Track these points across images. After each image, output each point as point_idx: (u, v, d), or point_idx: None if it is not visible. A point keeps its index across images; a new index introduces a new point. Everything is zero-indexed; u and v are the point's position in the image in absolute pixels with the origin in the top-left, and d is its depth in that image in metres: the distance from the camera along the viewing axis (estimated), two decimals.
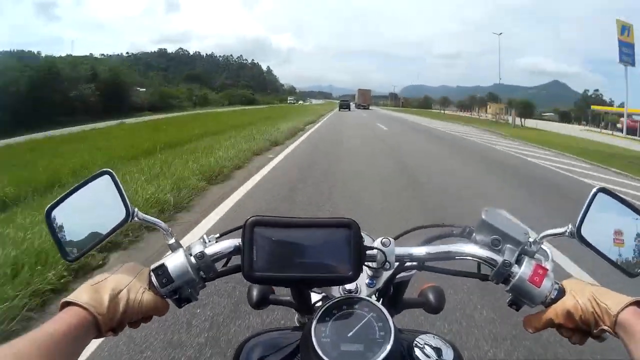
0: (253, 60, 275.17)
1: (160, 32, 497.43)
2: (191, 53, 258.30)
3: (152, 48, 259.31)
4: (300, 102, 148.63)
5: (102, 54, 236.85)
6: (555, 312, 0.73)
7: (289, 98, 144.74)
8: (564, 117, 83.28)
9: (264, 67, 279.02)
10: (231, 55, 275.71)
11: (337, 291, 0.84)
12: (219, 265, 0.79)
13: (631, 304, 0.65)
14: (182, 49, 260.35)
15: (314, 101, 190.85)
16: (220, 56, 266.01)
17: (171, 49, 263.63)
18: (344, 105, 70.04)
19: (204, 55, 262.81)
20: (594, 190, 0.77)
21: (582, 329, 0.72)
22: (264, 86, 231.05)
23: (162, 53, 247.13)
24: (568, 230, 0.76)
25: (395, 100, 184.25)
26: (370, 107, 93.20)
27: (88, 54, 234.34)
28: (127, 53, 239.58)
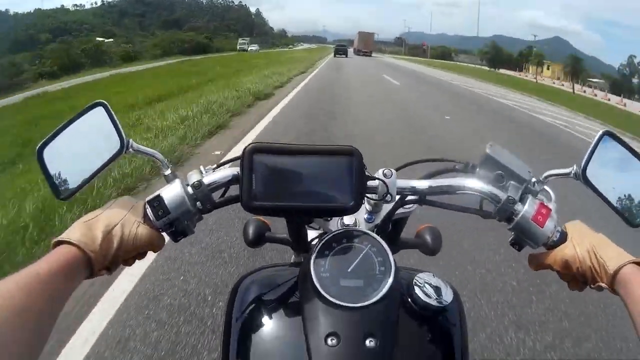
0: (240, 2, 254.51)
1: None
2: None
3: None
4: (290, 46, 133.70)
5: (75, 5, 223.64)
6: (554, 258, 0.73)
7: (239, 42, 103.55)
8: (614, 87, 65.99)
9: (253, 10, 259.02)
10: None
11: (335, 226, 0.84)
12: (216, 196, 0.77)
13: (630, 262, 0.65)
14: None
15: (305, 45, 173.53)
16: None
17: None
18: (340, 51, 60.71)
19: None
20: (600, 132, 0.75)
21: (579, 278, 0.72)
22: (251, 29, 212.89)
23: None
24: (573, 171, 0.75)
25: (404, 46, 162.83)
26: (372, 54, 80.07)
27: (59, 6, 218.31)
28: (103, 1, 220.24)
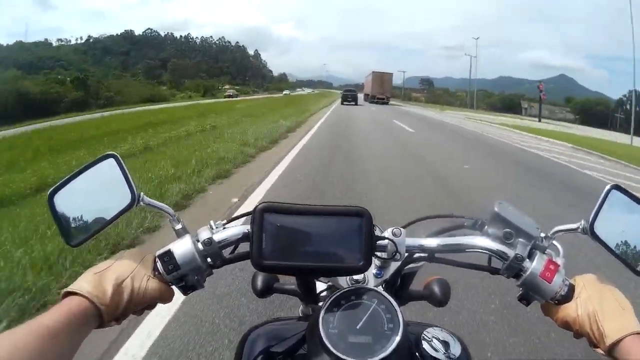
0: (238, 43, 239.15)
1: (159, 20, 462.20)
2: (162, 34, 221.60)
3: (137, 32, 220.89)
4: (286, 92, 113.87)
5: (60, 39, 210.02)
6: (557, 315, 0.74)
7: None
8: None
9: (251, 52, 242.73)
10: (211, 37, 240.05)
11: (344, 281, 0.84)
12: (226, 252, 0.78)
13: (631, 334, 0.64)
14: (151, 29, 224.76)
15: (307, 90, 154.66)
16: (197, 38, 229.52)
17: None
18: (349, 97, 49.14)
19: (178, 37, 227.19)
20: (608, 187, 0.77)
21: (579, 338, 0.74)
22: (245, 72, 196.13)
23: (127, 36, 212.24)
24: (581, 227, 0.76)
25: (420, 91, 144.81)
26: (390, 102, 61.53)
27: (43, 39, 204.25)
28: (89, 37, 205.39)
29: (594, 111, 65.65)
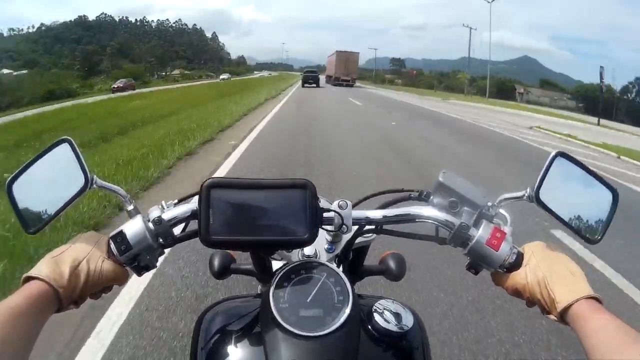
0: (195, 25, 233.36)
1: (117, 5, 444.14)
2: (117, 19, 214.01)
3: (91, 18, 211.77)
4: (224, 77, 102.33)
5: (12, 29, 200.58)
6: (507, 283, 0.76)
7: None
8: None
9: (209, 34, 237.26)
10: (167, 20, 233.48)
11: (296, 257, 0.87)
12: (177, 230, 0.80)
13: (582, 298, 0.65)
14: (105, 14, 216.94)
15: (265, 73, 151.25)
16: (152, 22, 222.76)
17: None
18: (310, 78, 47.90)
19: (133, 20, 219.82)
20: (553, 153, 0.78)
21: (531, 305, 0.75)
22: (202, 55, 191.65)
23: (80, 22, 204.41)
24: (526, 194, 0.78)
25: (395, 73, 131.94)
26: (356, 84, 60.93)
27: None
28: (41, 25, 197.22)
29: (593, 98, 63.56)
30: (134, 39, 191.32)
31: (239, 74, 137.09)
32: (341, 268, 0.85)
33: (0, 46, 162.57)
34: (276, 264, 0.92)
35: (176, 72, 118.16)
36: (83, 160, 0.76)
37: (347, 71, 57.70)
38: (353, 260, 0.94)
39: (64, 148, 0.77)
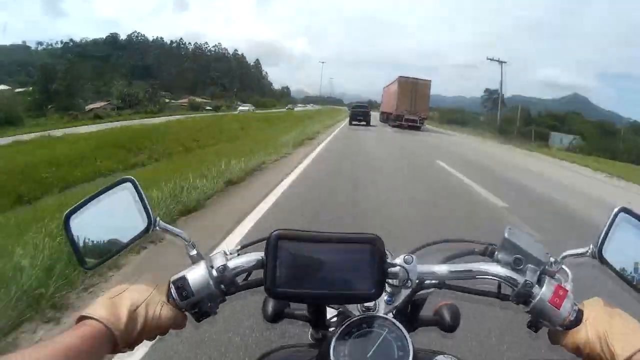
0: (236, 51, 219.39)
1: (170, 30, 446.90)
2: (150, 39, 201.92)
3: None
4: (243, 108, 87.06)
5: (40, 43, 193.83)
6: (567, 340, 0.76)
7: None
8: None
9: (251, 61, 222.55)
10: (205, 43, 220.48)
11: (354, 307, 0.87)
12: (240, 278, 0.81)
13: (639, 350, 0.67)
14: (137, 32, 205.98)
15: (310, 107, 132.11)
16: (189, 44, 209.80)
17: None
18: (359, 115, 38.13)
19: (169, 42, 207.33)
20: (616, 210, 0.79)
21: None
22: (243, 83, 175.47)
23: (109, 40, 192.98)
24: (589, 251, 0.79)
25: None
26: (423, 125, 41.71)
27: (20, 42, 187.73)
28: (70, 41, 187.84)
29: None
30: (164, 61, 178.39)
31: (270, 105, 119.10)
32: (398, 320, 0.83)
33: (22, 59, 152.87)
34: (330, 311, 0.93)
35: (183, 100, 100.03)
36: (147, 201, 0.78)
37: (414, 107, 38.88)
38: (410, 312, 0.93)
39: (127, 187, 0.79)
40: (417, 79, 40.67)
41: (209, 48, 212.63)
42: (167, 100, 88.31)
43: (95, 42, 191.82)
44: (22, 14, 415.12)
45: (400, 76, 40.64)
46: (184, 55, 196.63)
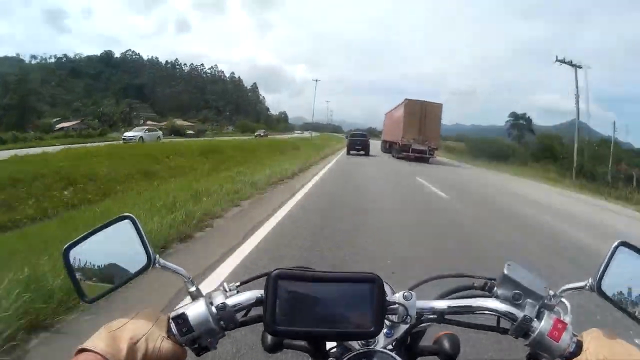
0: (233, 74, 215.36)
1: (169, 50, 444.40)
2: (145, 58, 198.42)
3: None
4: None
5: (34, 56, 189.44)
6: None
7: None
8: None
9: (248, 85, 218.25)
10: (201, 64, 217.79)
11: (354, 341, 0.89)
12: (239, 315, 0.83)
13: None
14: (132, 51, 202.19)
15: (307, 134, 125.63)
16: (185, 65, 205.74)
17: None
18: (358, 144, 35.46)
19: (164, 62, 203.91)
20: (615, 244, 0.80)
21: None
22: (238, 107, 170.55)
23: (104, 57, 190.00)
24: (588, 284, 0.80)
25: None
26: (433, 156, 35.17)
27: (15, 54, 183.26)
28: (64, 56, 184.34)
29: None
30: (158, 81, 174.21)
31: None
32: (398, 351, 0.87)
33: (9, 72, 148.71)
34: (330, 343, 0.93)
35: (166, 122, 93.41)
36: (146, 239, 0.80)
37: (424, 134, 32.70)
38: (409, 344, 0.95)
39: (126, 224, 0.80)
40: (426, 102, 34.52)
41: (204, 70, 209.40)
42: (142, 121, 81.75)
43: (90, 59, 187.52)
44: (21, 26, 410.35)
45: (407, 99, 34.49)
46: (179, 77, 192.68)
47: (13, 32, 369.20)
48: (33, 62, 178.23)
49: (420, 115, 32.83)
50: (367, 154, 34.67)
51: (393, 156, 35.30)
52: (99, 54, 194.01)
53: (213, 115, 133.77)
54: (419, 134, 32.28)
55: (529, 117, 63.44)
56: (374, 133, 65.68)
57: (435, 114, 33.76)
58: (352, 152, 34.93)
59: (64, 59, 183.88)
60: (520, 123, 78.43)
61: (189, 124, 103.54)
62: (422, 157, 32.33)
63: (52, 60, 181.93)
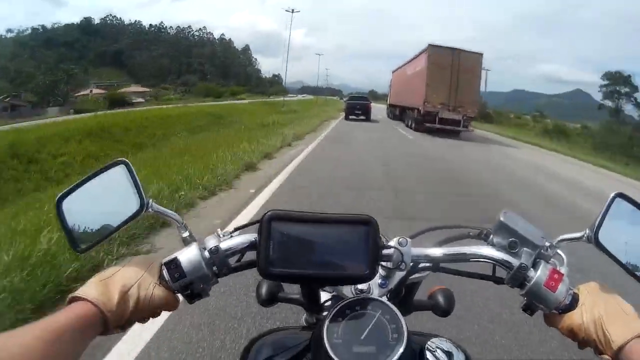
0: (223, 35, 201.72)
1: (170, 17, 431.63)
2: (126, 22, 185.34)
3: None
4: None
5: (10, 30, 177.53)
6: (563, 324, 0.76)
7: None
8: None
9: (239, 46, 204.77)
10: (189, 27, 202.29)
11: (348, 290, 0.87)
12: (232, 260, 0.81)
13: (636, 337, 0.67)
14: (113, 16, 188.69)
15: (301, 96, 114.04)
16: (171, 28, 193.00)
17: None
18: (357, 108, 30.89)
19: (147, 26, 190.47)
20: (612, 195, 0.80)
21: (585, 346, 0.76)
22: (226, 71, 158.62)
23: (82, 25, 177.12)
24: (585, 235, 0.79)
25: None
26: (467, 129, 23.37)
27: None
28: (40, 27, 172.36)
29: None
30: (138, 47, 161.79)
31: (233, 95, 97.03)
32: (392, 303, 0.83)
33: None
34: (324, 295, 0.93)
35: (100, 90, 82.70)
36: (139, 183, 0.78)
37: (458, 98, 22.36)
38: (404, 296, 0.93)
39: (120, 169, 0.78)
40: (459, 49, 23.10)
41: (192, 33, 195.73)
42: (78, 92, 70.45)
43: (67, 27, 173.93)
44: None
45: (432, 45, 23.30)
46: (162, 41, 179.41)
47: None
48: (9, 35, 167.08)
49: (452, 69, 22.00)
50: (368, 119, 30.15)
51: (408, 126, 25.24)
52: (78, 22, 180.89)
53: (195, 80, 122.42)
54: (450, 97, 21.78)
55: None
56: (375, 96, 59.57)
57: (472, 68, 22.77)
58: (351, 117, 30.33)
59: (40, 29, 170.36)
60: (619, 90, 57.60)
61: (144, 89, 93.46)
62: (453, 130, 22.11)
63: (29, 32, 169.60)
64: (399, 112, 32.05)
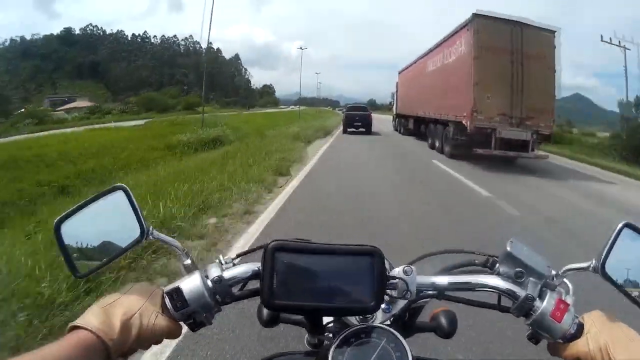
0: (211, 44, 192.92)
1: (170, 29, 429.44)
2: (107, 32, 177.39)
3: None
4: None
5: None
6: (568, 352, 0.76)
7: None
8: None
9: (228, 56, 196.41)
10: (175, 36, 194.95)
11: (352, 316, 0.87)
12: (235, 288, 0.81)
13: None
14: (94, 26, 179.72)
15: (295, 108, 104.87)
16: (155, 37, 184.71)
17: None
18: (356, 119, 28.23)
19: (130, 36, 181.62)
20: (620, 225, 0.79)
21: None
22: (213, 81, 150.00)
23: (62, 36, 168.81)
24: (592, 265, 0.78)
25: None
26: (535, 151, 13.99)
27: None
28: (20, 38, 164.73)
29: None
30: (117, 57, 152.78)
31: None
32: (395, 326, 0.84)
33: None
34: (327, 317, 0.90)
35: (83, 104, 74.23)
36: (139, 210, 0.77)
37: (524, 105, 13.13)
38: (407, 319, 0.93)
39: (119, 195, 0.77)
40: (522, 22, 13.68)
41: (177, 42, 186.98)
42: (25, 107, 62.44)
43: (47, 39, 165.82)
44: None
45: (479, 14, 13.71)
46: (145, 51, 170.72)
47: None
48: None
49: (513, 56, 13.12)
50: (368, 131, 27.45)
51: (436, 149, 17.05)
52: (58, 33, 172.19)
53: (176, 92, 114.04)
54: (512, 102, 12.91)
55: None
56: (374, 106, 54.77)
57: (543, 53, 13.53)
58: (350, 129, 27.56)
59: (18, 40, 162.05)
60: None
61: (88, 104, 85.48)
62: (515, 156, 13.65)
63: (7, 43, 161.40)
64: (413, 126, 23.44)
